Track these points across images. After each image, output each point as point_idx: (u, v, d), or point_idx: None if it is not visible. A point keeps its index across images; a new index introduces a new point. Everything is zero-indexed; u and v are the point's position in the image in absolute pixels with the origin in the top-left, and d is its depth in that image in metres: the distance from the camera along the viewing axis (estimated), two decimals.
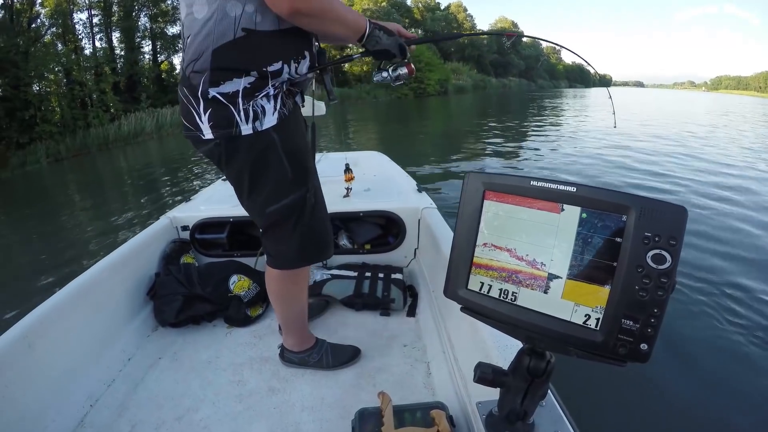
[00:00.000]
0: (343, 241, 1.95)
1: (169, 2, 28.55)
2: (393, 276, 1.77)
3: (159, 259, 1.82)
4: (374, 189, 2.05)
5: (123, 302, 1.61)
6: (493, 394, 0.76)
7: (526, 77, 72.94)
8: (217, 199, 2.10)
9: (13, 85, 17.60)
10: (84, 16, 24.83)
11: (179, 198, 6.31)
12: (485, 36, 62.05)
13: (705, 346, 2.20)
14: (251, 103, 0.98)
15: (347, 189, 2.00)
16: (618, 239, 0.58)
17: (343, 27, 1.02)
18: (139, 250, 1.74)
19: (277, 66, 0.99)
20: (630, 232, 0.57)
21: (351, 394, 1.32)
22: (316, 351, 1.38)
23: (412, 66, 1.16)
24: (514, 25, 73.62)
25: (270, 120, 1.01)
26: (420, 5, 53.71)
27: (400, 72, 1.16)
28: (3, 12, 19.84)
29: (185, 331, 1.65)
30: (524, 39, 76.43)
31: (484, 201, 0.68)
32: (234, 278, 1.70)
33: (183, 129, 1.09)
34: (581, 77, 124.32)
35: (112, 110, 19.82)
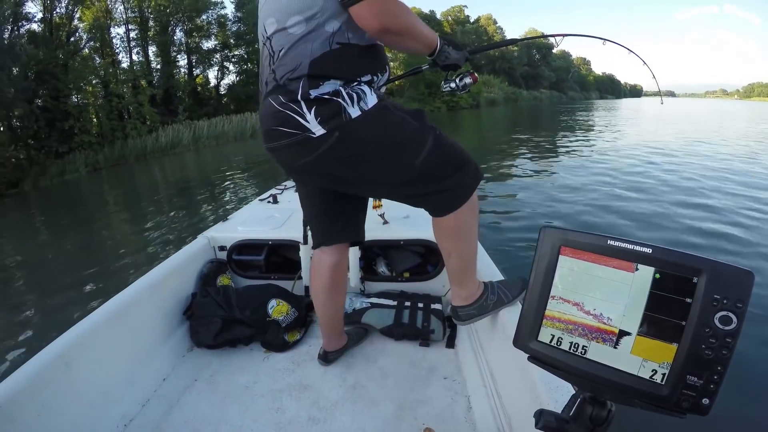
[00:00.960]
0: (382, 269, 1.94)
1: (204, 17, 29.52)
2: (433, 306, 1.74)
3: (196, 279, 1.84)
4: (413, 216, 2.01)
5: (159, 321, 1.62)
6: None
7: (557, 89, 72.24)
8: (256, 221, 2.10)
9: (53, 96, 18.45)
10: (121, 30, 25.76)
11: (212, 207, 6.44)
12: (516, 48, 61.91)
13: None
14: (351, 88, 1.03)
15: (381, 216, 1.98)
16: (688, 300, 0.61)
17: (420, 44, 1.11)
18: (177, 270, 1.75)
19: (367, 78, 1.07)
20: (700, 294, 0.59)
21: (392, 426, 1.30)
22: (490, 292, 1.33)
23: (476, 75, 1.27)
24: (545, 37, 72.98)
25: (372, 99, 1.05)
26: (450, 18, 54.07)
27: (466, 81, 1.28)
28: (42, 26, 20.86)
29: (221, 354, 1.65)
30: (554, 51, 75.77)
31: (560, 256, 0.70)
32: (272, 303, 1.70)
33: (273, 141, 1.10)
34: (612, 88, 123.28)
35: (148, 122, 20.53)
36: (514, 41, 1.58)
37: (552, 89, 69.46)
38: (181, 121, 21.65)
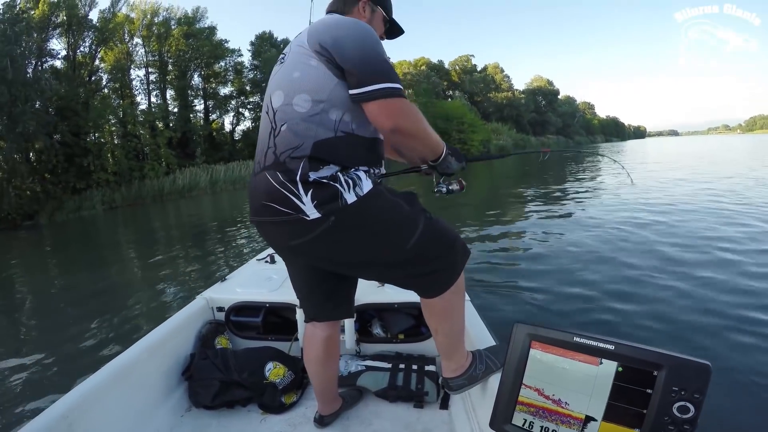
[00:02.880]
0: (377, 330, 1.97)
1: (222, 64, 30.41)
2: (426, 368, 1.76)
3: (195, 340, 1.88)
4: None
5: (158, 382, 1.65)
6: None
7: (564, 134, 73.51)
8: (253, 282, 2.14)
9: (74, 132, 19.01)
10: (141, 73, 26.79)
11: (223, 256, 6.43)
12: (523, 95, 63.38)
13: None
14: (348, 174, 1.06)
15: None
16: (649, 390, 0.67)
17: (427, 149, 1.16)
18: (177, 330, 1.80)
19: (363, 169, 1.10)
20: (660, 386, 0.66)
21: None
22: (479, 362, 1.34)
23: (464, 182, 1.34)
24: (550, 83, 74.73)
25: (367, 185, 1.08)
26: (457, 68, 55.59)
27: (454, 188, 1.36)
28: (65, 63, 21.70)
29: (219, 415, 1.66)
30: (559, 97, 77.28)
31: (531, 349, 0.77)
32: (270, 365, 1.73)
33: (263, 215, 1.10)
34: (616, 131, 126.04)
35: (164, 163, 20.97)
36: (507, 155, 1.80)
37: (559, 135, 70.59)
38: (198, 164, 22.11)
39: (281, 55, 1.19)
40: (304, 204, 1.03)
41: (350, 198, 1.04)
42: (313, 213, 1.03)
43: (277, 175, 1.05)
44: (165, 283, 5.27)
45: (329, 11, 1.28)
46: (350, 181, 1.05)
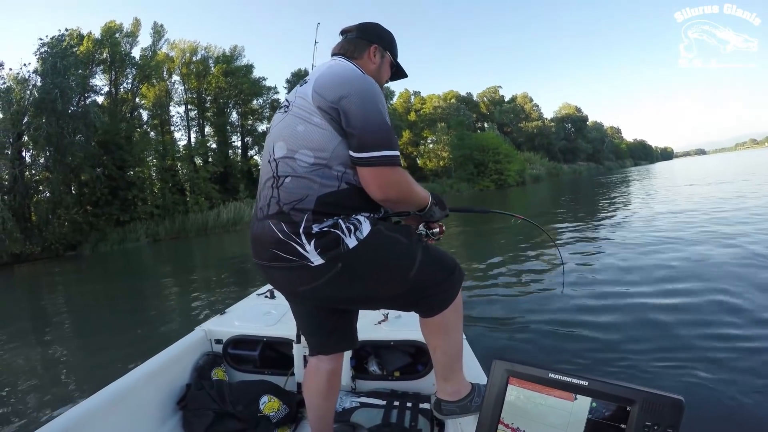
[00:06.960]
0: (373, 368, 1.94)
1: (260, 101, 31.51)
2: (421, 406, 1.71)
3: (191, 370, 1.88)
4: (405, 315, 1.98)
5: (154, 410, 1.65)
6: None
7: (594, 160, 72.79)
8: (252, 316, 2.14)
9: (119, 165, 19.87)
10: (181, 109, 28.09)
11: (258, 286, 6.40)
12: (553, 124, 62.99)
13: None
14: (350, 220, 1.11)
15: (385, 315, 2.00)
16: (622, 426, 0.68)
17: (413, 207, 1.25)
18: (174, 361, 1.81)
19: (365, 215, 1.14)
20: (633, 421, 0.67)
21: None
22: (476, 394, 1.33)
23: (444, 228, 1.41)
24: (578, 110, 73.85)
25: (366, 227, 1.12)
26: (486, 99, 55.88)
27: (434, 231, 1.39)
28: (108, 99, 22.86)
29: None
30: (587, 123, 76.29)
31: (508, 385, 0.78)
32: (264, 399, 1.72)
33: (270, 261, 1.13)
34: (644, 153, 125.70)
35: (203, 198, 21.58)
36: (488, 211, 1.71)
37: (589, 161, 69.82)
38: (242, 198, 22.67)
39: (284, 101, 1.22)
40: (307, 252, 1.07)
41: (351, 242, 1.08)
42: (317, 260, 1.07)
43: (282, 226, 1.09)
44: (192, 314, 5.32)
45: (336, 53, 1.32)
46: (351, 227, 1.09)
